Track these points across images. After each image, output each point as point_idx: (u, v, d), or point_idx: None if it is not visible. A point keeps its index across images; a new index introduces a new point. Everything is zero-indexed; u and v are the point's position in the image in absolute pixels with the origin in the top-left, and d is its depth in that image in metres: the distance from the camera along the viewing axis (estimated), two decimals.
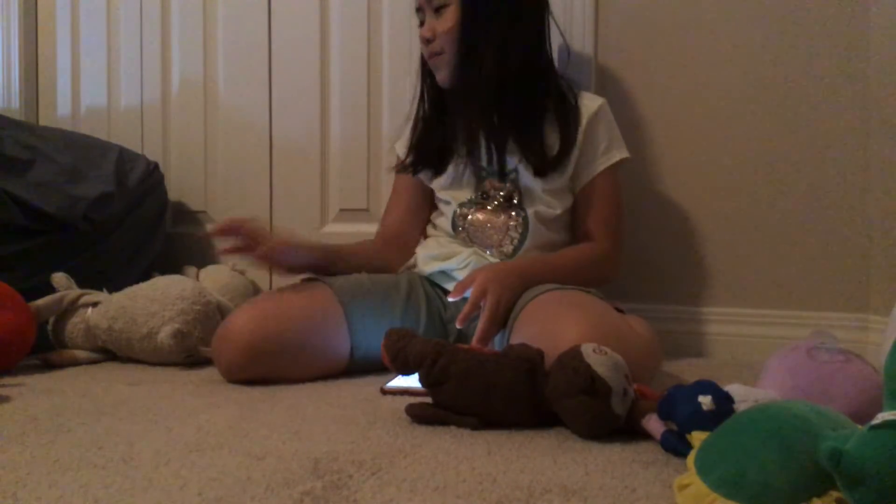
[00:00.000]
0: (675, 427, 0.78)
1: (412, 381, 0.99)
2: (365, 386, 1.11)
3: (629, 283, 1.45)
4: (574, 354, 0.86)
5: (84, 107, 2.00)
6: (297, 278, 1.31)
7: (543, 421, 0.88)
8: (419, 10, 1.33)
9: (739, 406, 0.76)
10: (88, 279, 1.43)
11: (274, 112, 1.82)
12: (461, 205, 1.34)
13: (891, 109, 1.37)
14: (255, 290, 1.69)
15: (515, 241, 1.30)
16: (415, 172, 1.39)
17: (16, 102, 1.99)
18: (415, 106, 1.40)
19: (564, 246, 1.33)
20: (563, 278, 1.19)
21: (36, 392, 1.08)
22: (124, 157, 1.69)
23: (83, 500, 0.64)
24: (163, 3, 1.91)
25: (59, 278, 1.38)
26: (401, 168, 1.39)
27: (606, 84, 1.55)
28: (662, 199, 1.54)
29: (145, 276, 1.48)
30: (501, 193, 1.31)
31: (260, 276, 1.73)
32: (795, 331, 1.35)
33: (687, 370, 1.31)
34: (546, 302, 1.11)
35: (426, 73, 1.37)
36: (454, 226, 1.34)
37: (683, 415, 0.77)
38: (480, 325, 1.12)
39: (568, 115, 1.30)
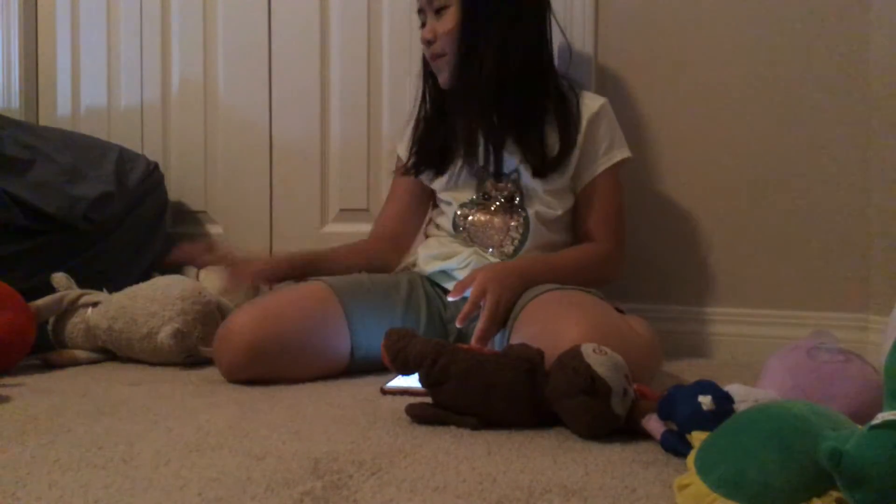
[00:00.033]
0: (675, 427, 0.78)
1: (412, 381, 0.99)
2: (365, 386, 1.11)
3: (629, 282, 1.45)
4: (574, 354, 0.86)
5: (84, 107, 2.00)
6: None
7: (543, 421, 0.88)
8: (420, 11, 1.34)
9: (739, 406, 0.76)
10: (88, 279, 1.43)
11: (274, 112, 1.82)
12: (462, 205, 1.34)
13: (891, 109, 1.37)
14: (256, 291, 1.69)
15: (516, 242, 1.30)
16: (417, 174, 1.39)
17: (16, 102, 1.99)
18: (416, 107, 1.40)
19: (565, 246, 1.33)
20: (564, 278, 1.19)
21: (36, 392, 1.08)
22: (124, 157, 1.69)
23: (83, 500, 0.64)
24: (163, 3, 1.91)
25: (59, 278, 1.38)
26: (403, 171, 1.39)
27: (606, 84, 1.55)
28: (662, 198, 1.54)
29: (145, 276, 1.48)
30: (503, 194, 1.31)
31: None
32: (795, 331, 1.35)
33: (687, 370, 1.31)
34: (546, 302, 1.11)
35: (428, 74, 1.37)
36: (455, 226, 1.34)
37: (683, 415, 0.77)
38: (480, 324, 1.12)
39: (568, 116, 1.30)
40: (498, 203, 1.32)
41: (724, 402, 0.76)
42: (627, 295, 1.44)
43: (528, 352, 0.90)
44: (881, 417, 0.52)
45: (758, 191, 1.48)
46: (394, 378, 1.08)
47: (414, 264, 1.40)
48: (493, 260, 1.29)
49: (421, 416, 0.90)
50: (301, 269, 1.30)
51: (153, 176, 1.75)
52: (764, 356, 0.99)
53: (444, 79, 1.33)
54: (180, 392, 1.09)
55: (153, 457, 0.76)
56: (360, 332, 1.20)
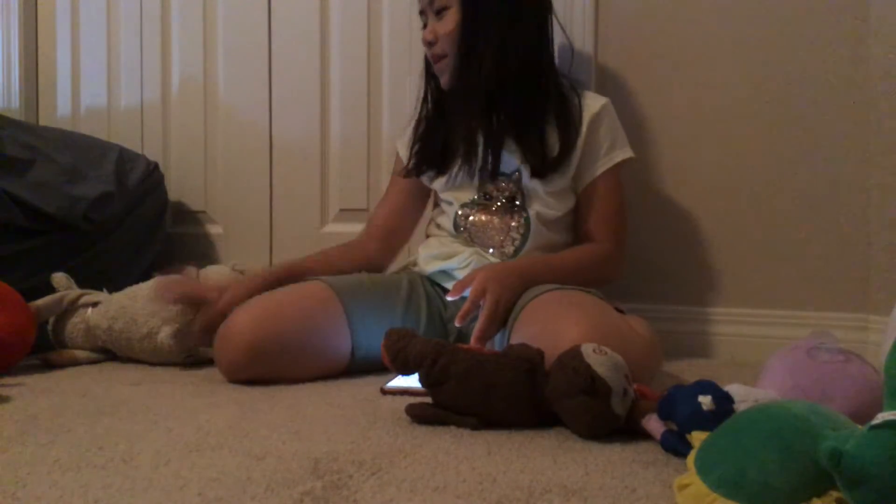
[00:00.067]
0: (675, 427, 0.78)
1: (412, 381, 0.99)
2: (365, 386, 1.11)
3: (629, 282, 1.45)
4: (574, 354, 0.86)
5: (84, 107, 2.00)
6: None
7: (543, 421, 0.88)
8: (422, 13, 1.34)
9: (739, 406, 0.76)
10: (88, 279, 1.43)
11: (274, 112, 1.82)
12: (463, 205, 1.34)
13: (890, 110, 1.37)
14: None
15: (517, 242, 1.30)
16: (418, 174, 1.38)
17: (16, 102, 1.99)
18: (418, 107, 1.40)
19: (566, 247, 1.33)
20: (564, 279, 1.19)
21: (36, 392, 1.08)
22: (124, 157, 1.69)
23: (83, 500, 0.64)
24: (163, 3, 1.91)
25: (59, 278, 1.38)
26: (405, 173, 1.39)
27: (607, 83, 1.55)
28: (662, 198, 1.54)
29: (145, 277, 1.47)
30: (504, 194, 1.31)
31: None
32: (795, 331, 1.35)
33: (687, 370, 1.30)
34: (546, 302, 1.11)
35: (430, 75, 1.37)
36: (456, 226, 1.34)
37: (683, 415, 0.77)
38: (479, 323, 1.12)
39: (569, 116, 1.30)
40: (499, 203, 1.32)
41: (724, 402, 0.76)
42: (627, 295, 1.44)
43: (528, 352, 0.90)
44: (881, 417, 0.52)
45: (758, 190, 1.48)
46: (394, 378, 1.08)
47: (414, 264, 1.40)
48: (493, 260, 1.29)
49: (421, 416, 0.90)
50: (278, 285, 1.25)
51: (153, 176, 1.75)
52: (764, 356, 0.99)
53: (445, 80, 1.33)
54: (180, 392, 1.09)
55: (153, 457, 0.76)
56: (360, 332, 1.20)
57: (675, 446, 0.77)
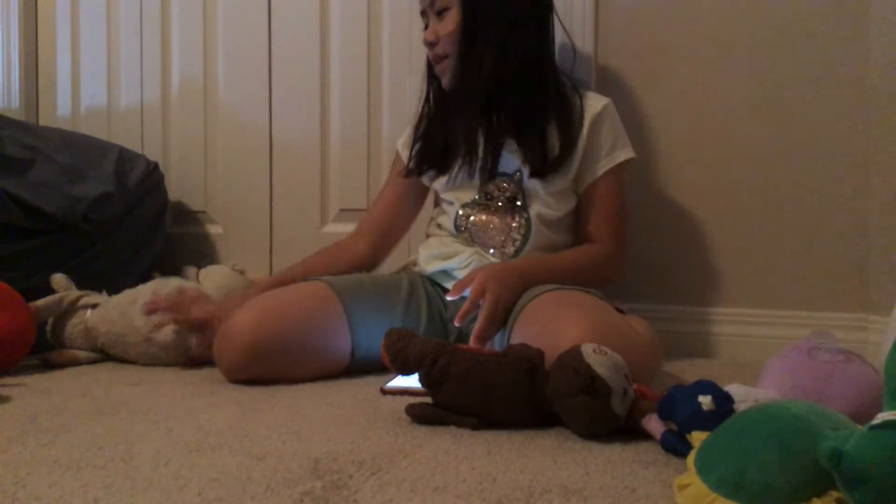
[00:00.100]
0: (675, 427, 0.78)
1: (412, 381, 0.99)
2: (365, 386, 1.11)
3: (630, 282, 1.45)
4: (574, 354, 0.86)
5: (84, 107, 2.00)
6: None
7: (543, 421, 0.88)
8: (423, 13, 1.34)
9: (739, 406, 0.76)
10: (88, 279, 1.43)
11: (274, 112, 1.82)
12: (464, 205, 1.34)
13: (890, 109, 1.37)
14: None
15: (518, 243, 1.30)
16: (419, 174, 1.38)
17: (16, 102, 1.99)
18: (419, 106, 1.40)
19: (567, 247, 1.33)
20: (564, 279, 1.19)
21: (36, 392, 1.08)
22: (124, 157, 1.69)
23: (83, 500, 0.64)
24: (163, 3, 1.91)
25: (58, 279, 1.38)
26: (406, 173, 1.39)
27: (607, 83, 1.55)
28: (662, 198, 1.54)
29: (145, 276, 1.48)
30: (505, 195, 1.31)
31: (260, 276, 1.73)
32: (795, 331, 1.35)
33: (687, 370, 1.30)
34: (546, 302, 1.11)
35: (432, 76, 1.37)
36: (457, 226, 1.34)
37: (683, 415, 0.77)
38: (478, 323, 1.12)
39: (570, 116, 1.30)
40: (500, 203, 1.32)
41: (724, 402, 0.76)
42: (628, 295, 1.44)
43: (528, 352, 0.90)
44: (881, 417, 0.52)
45: (758, 190, 1.48)
46: (394, 378, 1.08)
47: (415, 264, 1.40)
48: (494, 260, 1.29)
49: (421, 416, 0.90)
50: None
51: (153, 176, 1.75)
52: (764, 356, 0.99)
53: (446, 81, 1.33)
54: (180, 392, 1.09)
55: (153, 457, 0.76)
56: (360, 332, 1.20)
57: (675, 446, 0.77)
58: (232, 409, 0.97)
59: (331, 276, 1.28)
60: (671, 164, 1.53)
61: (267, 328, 1.13)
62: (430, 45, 1.32)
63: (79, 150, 1.62)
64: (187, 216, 1.91)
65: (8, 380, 1.17)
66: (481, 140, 1.30)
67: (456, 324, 1.16)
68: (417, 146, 1.38)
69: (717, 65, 1.49)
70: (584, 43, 1.53)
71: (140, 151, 1.84)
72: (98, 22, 1.97)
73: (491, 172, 1.30)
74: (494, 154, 1.29)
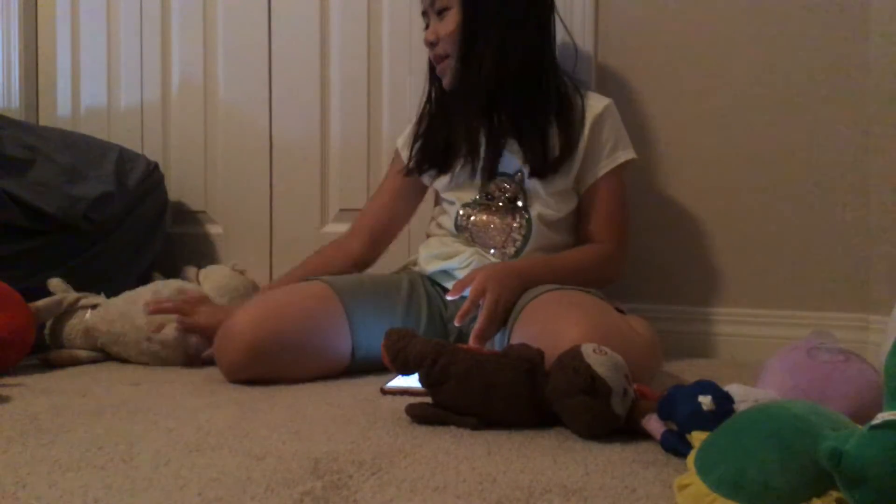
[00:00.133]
0: (675, 427, 0.78)
1: (412, 381, 0.99)
2: (365, 386, 1.11)
3: (630, 282, 1.45)
4: (574, 354, 0.86)
5: (84, 107, 2.00)
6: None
7: (543, 421, 0.88)
8: (424, 14, 1.34)
9: (739, 406, 0.76)
10: (88, 279, 1.43)
11: (274, 112, 1.82)
12: (465, 205, 1.34)
13: (890, 109, 1.37)
14: (256, 290, 1.69)
15: (518, 243, 1.30)
16: (420, 173, 1.38)
17: (16, 102, 1.99)
18: (421, 106, 1.40)
19: (568, 248, 1.33)
20: (564, 279, 1.19)
21: (36, 392, 1.08)
22: (124, 157, 1.69)
23: (83, 500, 0.64)
24: (163, 3, 1.91)
25: (55, 283, 1.38)
26: (406, 172, 1.39)
27: (607, 83, 1.55)
28: (662, 198, 1.54)
29: (145, 276, 1.47)
30: (506, 195, 1.31)
31: (260, 276, 1.73)
32: (795, 331, 1.35)
33: (687, 370, 1.30)
34: (546, 302, 1.11)
35: (434, 76, 1.37)
36: (457, 226, 1.34)
37: (683, 415, 0.77)
38: (478, 323, 1.12)
39: (571, 117, 1.30)
40: (501, 204, 1.32)
41: (724, 402, 0.76)
42: (628, 295, 1.44)
43: (528, 352, 0.90)
44: (881, 417, 0.52)
45: (758, 190, 1.48)
46: (394, 378, 1.08)
47: (415, 263, 1.40)
48: (494, 261, 1.29)
49: (421, 416, 0.90)
50: None
51: (153, 176, 1.75)
52: (764, 356, 0.99)
53: (447, 81, 1.34)
54: (180, 392, 1.09)
55: (153, 457, 0.76)
56: (360, 332, 1.20)
57: (675, 446, 0.77)
58: (232, 409, 0.97)
59: (330, 275, 1.28)
60: (671, 163, 1.53)
61: (267, 328, 1.13)
62: (431, 45, 1.33)
63: (79, 150, 1.62)
64: (187, 216, 1.91)
65: (8, 380, 1.17)
66: (483, 140, 1.30)
67: (456, 323, 1.16)
68: (418, 145, 1.38)
69: (717, 65, 1.49)
70: (584, 43, 1.54)
71: (140, 151, 1.84)
72: (98, 22, 1.97)
73: (492, 172, 1.30)
74: (496, 154, 1.29)
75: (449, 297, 1.22)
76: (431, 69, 1.38)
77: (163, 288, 1.37)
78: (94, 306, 1.36)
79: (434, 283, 1.34)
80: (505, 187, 1.32)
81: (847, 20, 1.41)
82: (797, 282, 1.46)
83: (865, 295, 1.41)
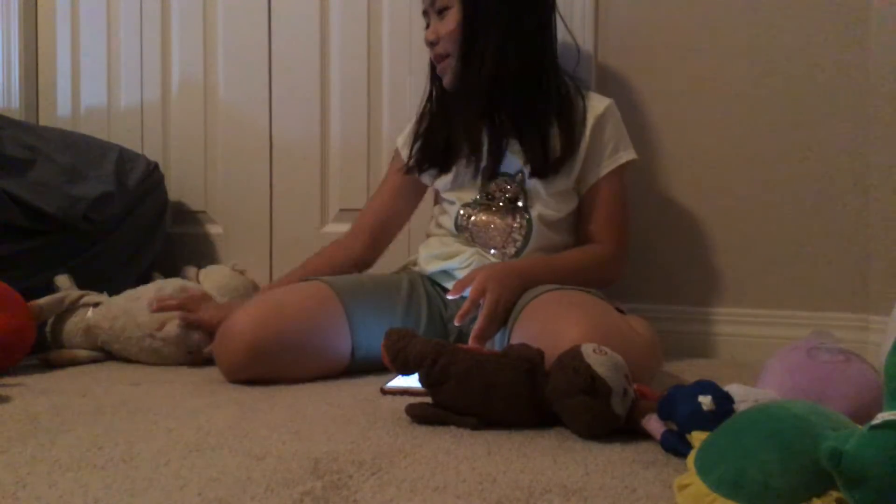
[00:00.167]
0: (675, 427, 0.78)
1: (412, 381, 0.99)
2: (365, 386, 1.11)
3: (630, 282, 1.45)
4: (574, 354, 0.86)
5: (84, 107, 2.00)
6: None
7: (543, 421, 0.88)
8: (425, 13, 1.35)
9: (739, 406, 0.76)
10: (88, 279, 1.43)
11: (274, 112, 1.82)
12: (465, 205, 1.34)
13: (891, 109, 1.37)
14: (256, 290, 1.69)
15: (518, 244, 1.30)
16: (420, 172, 1.38)
17: (16, 102, 1.99)
18: (422, 105, 1.40)
19: (568, 248, 1.33)
20: (565, 279, 1.19)
21: (36, 392, 1.08)
22: (124, 157, 1.69)
23: (83, 500, 0.64)
24: (163, 3, 1.91)
25: (62, 280, 1.38)
26: (406, 170, 1.39)
27: (607, 83, 1.55)
28: (662, 198, 1.54)
29: (145, 276, 1.47)
30: (506, 195, 1.31)
31: (260, 276, 1.73)
32: (795, 331, 1.35)
33: (687, 370, 1.31)
34: (546, 302, 1.11)
35: (435, 75, 1.37)
36: (457, 226, 1.34)
37: (683, 415, 0.77)
38: (478, 323, 1.12)
39: (573, 117, 1.30)
40: (501, 204, 1.32)
41: (724, 402, 0.76)
42: (628, 295, 1.44)
43: (528, 352, 0.90)
44: (881, 417, 0.52)
45: (758, 191, 1.48)
46: (394, 378, 1.08)
47: (415, 263, 1.40)
48: (494, 261, 1.29)
49: (421, 416, 0.90)
50: None
51: (153, 176, 1.75)
52: (764, 356, 0.99)
53: (448, 80, 1.33)
54: (180, 392, 1.09)
55: (153, 457, 0.76)
56: (360, 332, 1.20)
57: (675, 446, 0.77)
58: (232, 409, 0.97)
59: (330, 275, 1.28)
60: (671, 164, 1.53)
61: (267, 328, 1.13)
62: (431, 44, 1.33)
63: (79, 150, 1.62)
64: (187, 216, 1.91)
65: (8, 380, 1.17)
66: (485, 140, 1.30)
67: (456, 323, 1.16)
68: (418, 144, 1.38)
69: (717, 65, 1.49)
70: (584, 43, 1.53)
71: (140, 151, 1.84)
72: (98, 22, 1.97)
73: (494, 173, 1.30)
74: (499, 154, 1.29)
75: (449, 297, 1.22)
76: (432, 68, 1.38)
77: (165, 286, 1.37)
78: (95, 305, 1.36)
79: (434, 283, 1.34)
80: (505, 187, 1.32)
81: (847, 20, 1.41)
82: (797, 282, 1.46)
83: (865, 295, 1.41)
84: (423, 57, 1.41)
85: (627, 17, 1.55)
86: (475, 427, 0.87)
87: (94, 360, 1.35)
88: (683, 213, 1.53)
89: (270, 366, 1.13)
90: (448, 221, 1.36)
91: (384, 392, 1.06)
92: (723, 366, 1.39)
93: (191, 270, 1.66)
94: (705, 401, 0.76)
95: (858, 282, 1.42)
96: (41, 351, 1.33)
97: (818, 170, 1.44)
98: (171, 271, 1.63)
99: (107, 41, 1.97)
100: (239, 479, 0.69)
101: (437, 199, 1.45)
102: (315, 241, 1.58)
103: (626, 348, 0.91)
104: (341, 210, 1.78)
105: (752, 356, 1.40)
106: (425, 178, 1.40)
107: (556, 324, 1.02)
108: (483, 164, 1.31)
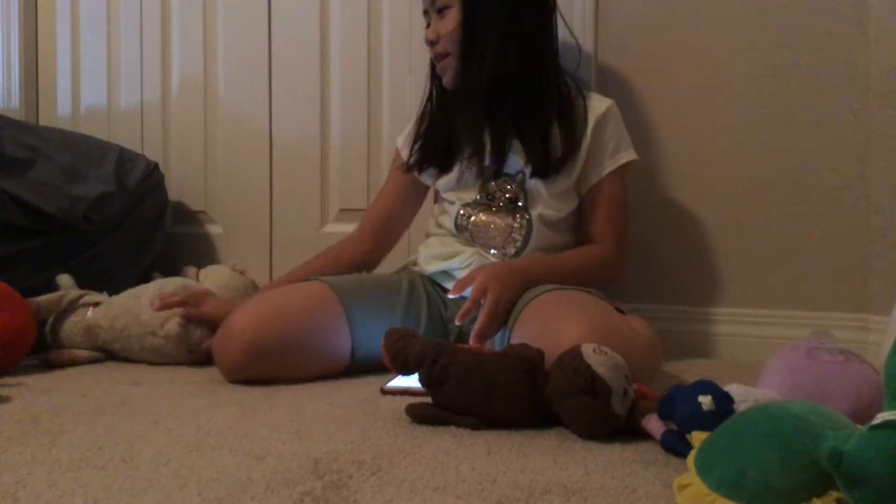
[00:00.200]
0: (675, 427, 0.78)
1: (412, 381, 0.99)
2: (365, 386, 1.11)
3: (630, 282, 1.45)
4: (574, 354, 0.86)
5: (84, 107, 2.00)
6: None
7: (543, 421, 0.88)
8: (425, 13, 1.35)
9: (739, 406, 0.76)
10: (88, 279, 1.43)
11: (274, 112, 1.82)
12: (465, 205, 1.34)
13: (890, 109, 1.37)
14: (256, 290, 1.69)
15: (518, 244, 1.30)
16: (420, 172, 1.38)
17: (16, 102, 1.99)
18: (422, 105, 1.40)
19: (568, 248, 1.33)
20: (565, 279, 1.19)
21: (36, 392, 1.08)
22: (124, 157, 1.69)
23: (83, 500, 0.64)
24: (163, 3, 1.91)
25: (63, 279, 1.38)
26: (406, 169, 1.39)
27: (607, 83, 1.55)
28: (663, 198, 1.54)
29: (145, 276, 1.47)
30: (506, 195, 1.31)
31: (260, 276, 1.73)
32: (795, 331, 1.35)
33: (687, 370, 1.31)
34: (546, 302, 1.11)
35: (435, 75, 1.37)
36: (458, 226, 1.34)
37: (683, 415, 0.77)
38: (478, 322, 1.12)
39: (574, 117, 1.30)
40: (501, 204, 1.32)
41: (724, 402, 0.76)
42: (628, 295, 1.44)
43: (528, 352, 0.90)
44: (881, 417, 0.52)
45: (758, 191, 1.48)
46: (394, 378, 1.08)
47: (415, 264, 1.40)
48: (494, 261, 1.29)
49: (421, 416, 0.90)
50: None
51: (153, 176, 1.75)
52: (764, 356, 0.99)
53: (448, 80, 1.33)
54: (180, 392, 1.09)
55: (153, 457, 0.76)
56: (360, 332, 1.20)
57: (675, 446, 0.77)
58: (232, 409, 0.97)
59: (333, 275, 1.28)
60: (671, 164, 1.53)
61: (267, 328, 1.13)
62: (431, 43, 1.32)
63: (79, 150, 1.62)
64: (187, 216, 1.91)
65: (8, 380, 1.17)
66: (487, 140, 1.30)
67: (457, 322, 1.16)
68: (418, 144, 1.38)
69: (717, 65, 1.49)
70: (585, 43, 1.53)
71: (140, 151, 1.84)
72: (98, 22, 1.97)
73: (497, 173, 1.30)
74: (501, 154, 1.29)
75: (450, 296, 1.22)
76: (432, 68, 1.38)
77: (166, 284, 1.37)
78: (95, 304, 1.36)
79: (434, 284, 1.34)
80: (506, 187, 1.32)
81: (847, 20, 1.41)
82: (797, 282, 1.46)
83: (865, 295, 1.41)
84: (423, 57, 1.41)
85: (627, 17, 1.55)
86: (475, 427, 0.87)
87: (94, 361, 1.35)
88: (683, 213, 1.53)
89: (270, 366, 1.13)
90: (448, 221, 1.36)
91: (384, 392, 1.06)
92: (723, 366, 1.38)
93: (191, 270, 1.66)
94: (705, 401, 0.76)
95: (858, 282, 1.42)
96: (41, 351, 1.33)
97: (818, 170, 1.44)
98: (172, 271, 1.63)
99: (107, 41, 1.97)
100: (239, 479, 0.69)
101: (437, 199, 1.45)
102: (315, 241, 1.59)
103: (627, 348, 0.91)
104: (341, 210, 1.78)
105: (752, 356, 1.40)
106: (425, 178, 1.40)
107: (557, 324, 1.02)
108: (486, 164, 1.31)
